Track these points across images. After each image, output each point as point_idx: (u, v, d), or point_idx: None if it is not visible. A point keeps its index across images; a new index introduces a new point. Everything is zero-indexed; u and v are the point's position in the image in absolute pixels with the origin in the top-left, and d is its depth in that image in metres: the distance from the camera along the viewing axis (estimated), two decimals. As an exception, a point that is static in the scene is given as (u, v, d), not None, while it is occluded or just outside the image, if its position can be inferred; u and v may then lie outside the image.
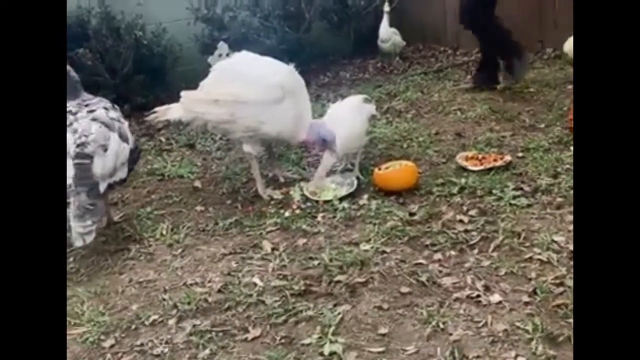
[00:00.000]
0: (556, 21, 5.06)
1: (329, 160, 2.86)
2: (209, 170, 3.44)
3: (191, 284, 2.26)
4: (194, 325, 2.00)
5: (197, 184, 3.21)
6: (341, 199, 2.80)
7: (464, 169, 2.95)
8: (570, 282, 1.96)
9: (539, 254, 2.14)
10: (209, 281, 2.27)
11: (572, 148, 3.04)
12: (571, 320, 1.78)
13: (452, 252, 2.26)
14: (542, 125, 3.46)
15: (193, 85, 3.03)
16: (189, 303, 2.12)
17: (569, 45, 4.68)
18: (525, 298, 1.92)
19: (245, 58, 2.98)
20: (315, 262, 2.29)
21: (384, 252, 2.31)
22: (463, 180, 2.82)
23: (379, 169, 2.89)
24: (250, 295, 2.12)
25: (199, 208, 2.92)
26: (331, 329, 1.87)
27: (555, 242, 2.20)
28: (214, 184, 3.21)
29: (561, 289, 1.94)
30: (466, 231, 2.38)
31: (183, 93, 2.96)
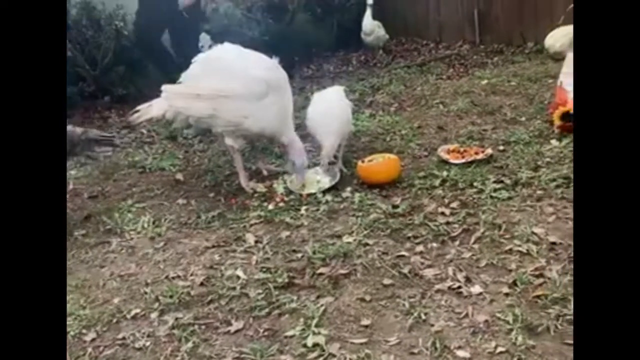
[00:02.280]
0: (537, 16, 5.11)
1: (327, 149, 2.85)
2: (191, 162, 3.42)
3: (173, 277, 2.25)
4: (177, 319, 1.99)
5: (179, 176, 3.19)
6: (324, 192, 2.80)
7: (446, 162, 2.97)
8: (549, 273, 1.99)
9: (519, 245, 2.17)
10: (192, 274, 2.26)
11: (552, 141, 3.09)
12: (550, 311, 1.81)
13: (434, 244, 2.28)
14: (523, 119, 3.50)
15: (174, 77, 3.00)
16: (171, 296, 2.11)
17: (549, 40, 4.74)
18: (505, 289, 1.94)
19: (229, 50, 2.94)
20: (299, 255, 2.29)
21: (366, 244, 2.32)
22: (445, 173, 2.84)
23: (362, 162, 2.90)
24: (233, 288, 2.12)
25: (181, 201, 2.90)
26: (314, 321, 1.88)
27: (535, 234, 2.23)
28: (196, 177, 3.19)
29: (541, 280, 1.97)
30: (448, 223, 2.40)
31: (164, 87, 2.92)
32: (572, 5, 4.78)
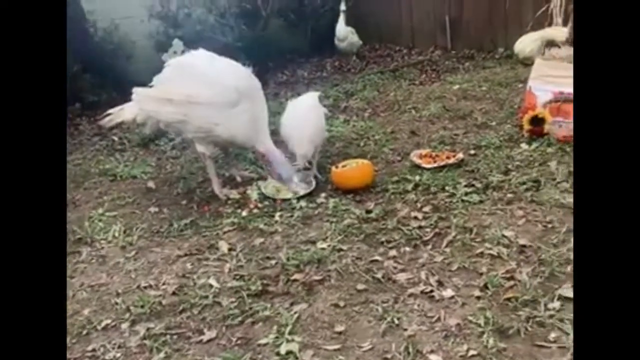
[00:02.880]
0: (506, 23, 5.21)
1: (300, 156, 2.86)
2: (163, 170, 3.38)
3: (145, 287, 2.22)
4: (148, 329, 1.96)
5: (151, 184, 3.15)
6: (299, 198, 2.80)
7: (418, 167, 3.00)
8: (519, 276, 2.02)
9: (490, 248, 2.20)
10: (163, 283, 2.23)
11: (522, 145, 3.14)
12: (521, 313, 1.83)
13: (407, 249, 2.29)
14: (494, 123, 3.56)
15: (147, 84, 2.97)
16: (142, 306, 2.08)
17: (519, 45, 4.83)
18: (477, 292, 1.96)
19: (202, 56, 2.92)
20: (273, 262, 2.29)
21: (340, 249, 2.33)
22: (417, 178, 2.86)
23: (337, 168, 2.91)
24: (206, 297, 2.09)
25: (152, 209, 2.86)
26: (288, 329, 1.87)
27: (506, 237, 2.27)
28: (168, 184, 3.15)
29: (511, 282, 2.00)
30: (420, 227, 2.42)
31: (135, 90, 2.90)
32: (540, 11, 4.91)
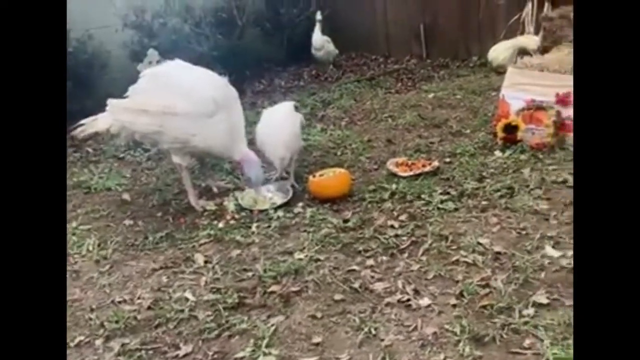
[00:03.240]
0: (480, 31, 5.30)
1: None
2: (138, 181, 3.34)
3: (119, 302, 2.19)
4: (123, 345, 1.93)
5: (126, 196, 3.11)
6: (276, 208, 2.79)
7: (395, 175, 3.02)
8: (494, 283, 2.04)
9: (465, 256, 2.22)
10: (139, 298, 2.20)
11: (496, 152, 3.18)
12: (496, 320, 1.85)
13: (384, 257, 2.30)
14: (468, 131, 3.60)
15: (122, 94, 2.94)
16: (117, 322, 2.04)
17: (492, 54, 4.92)
18: (453, 300, 1.98)
19: (178, 67, 2.91)
20: (249, 274, 2.27)
21: (318, 260, 2.32)
22: (394, 186, 2.88)
23: (314, 177, 2.91)
24: (182, 311, 2.07)
25: (127, 222, 2.82)
26: (265, 341, 1.86)
27: (481, 244, 2.29)
28: (143, 197, 3.11)
29: (486, 290, 2.01)
30: (397, 236, 2.44)
31: (110, 101, 2.86)
32: (512, 20, 4.99)
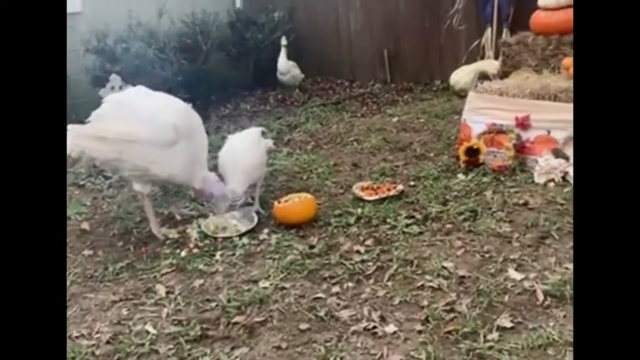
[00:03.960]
0: (441, 56, 5.42)
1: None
2: (99, 210, 3.25)
3: (77, 337, 2.10)
4: (79, 383, 1.84)
5: (85, 225, 3.02)
6: (241, 235, 2.75)
7: (361, 199, 3.02)
8: (459, 307, 2.04)
9: (430, 280, 2.22)
10: (97, 332, 2.12)
11: (459, 175, 3.23)
12: (461, 346, 1.85)
13: (350, 284, 2.28)
14: (432, 154, 3.65)
15: (84, 119, 2.87)
16: (73, 358, 1.96)
17: (454, 78, 5.03)
18: (419, 326, 1.97)
19: (139, 93, 2.87)
20: (213, 304, 2.22)
21: (283, 288, 2.29)
22: (359, 210, 2.88)
23: (279, 202, 2.89)
24: (142, 345, 2.00)
25: (86, 252, 2.74)
26: (228, 375, 1.81)
27: (445, 268, 2.30)
28: (104, 225, 3.03)
29: (451, 314, 2.01)
30: (362, 261, 2.42)
31: (70, 127, 2.79)
32: (473, 45, 5.13)
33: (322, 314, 2.10)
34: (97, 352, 2.00)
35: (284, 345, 1.94)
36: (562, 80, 3.36)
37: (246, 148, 3.01)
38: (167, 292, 2.32)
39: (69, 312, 2.26)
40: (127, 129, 2.66)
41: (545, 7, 3.94)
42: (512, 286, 2.14)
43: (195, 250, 2.66)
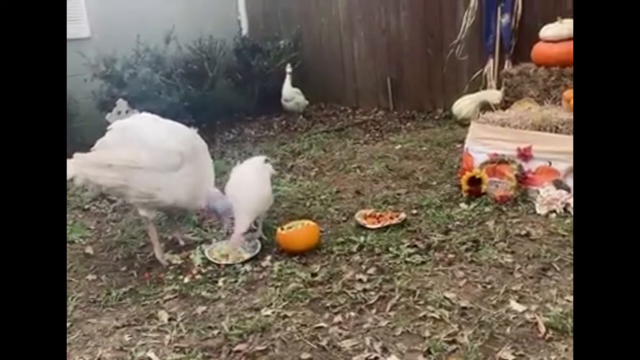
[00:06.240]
0: (444, 84, 5.49)
1: (241, 226, 2.83)
2: (103, 234, 3.27)
3: (78, 363, 2.10)
4: (79, 411, 1.84)
5: (89, 250, 3.04)
6: (244, 262, 2.76)
7: (363, 227, 3.04)
8: (461, 339, 2.04)
9: (432, 311, 2.22)
10: (99, 358, 2.12)
11: (461, 205, 3.25)
12: (463, 377, 1.85)
13: (352, 313, 2.28)
14: (434, 183, 3.68)
15: (90, 142, 2.91)
16: (74, 385, 1.96)
17: (457, 107, 5.09)
18: (420, 358, 1.97)
19: (145, 119, 2.91)
20: (215, 332, 2.22)
21: (285, 316, 2.29)
22: (362, 239, 2.90)
23: (282, 229, 2.90)
24: (144, 372, 2.00)
25: (90, 277, 2.75)
26: (229, 404, 1.80)
27: (447, 299, 2.30)
28: (107, 250, 3.05)
29: (453, 346, 2.01)
30: (365, 290, 2.43)
31: (76, 155, 2.83)
32: (475, 75, 5.20)
33: (324, 343, 2.10)
34: (99, 379, 2.00)
35: (285, 375, 1.94)
36: (563, 112, 3.40)
37: (254, 180, 2.99)
38: (170, 319, 2.33)
39: (71, 337, 2.26)
40: (132, 156, 2.70)
41: (546, 39, 4.02)
42: (513, 318, 2.14)
43: (198, 277, 2.67)
